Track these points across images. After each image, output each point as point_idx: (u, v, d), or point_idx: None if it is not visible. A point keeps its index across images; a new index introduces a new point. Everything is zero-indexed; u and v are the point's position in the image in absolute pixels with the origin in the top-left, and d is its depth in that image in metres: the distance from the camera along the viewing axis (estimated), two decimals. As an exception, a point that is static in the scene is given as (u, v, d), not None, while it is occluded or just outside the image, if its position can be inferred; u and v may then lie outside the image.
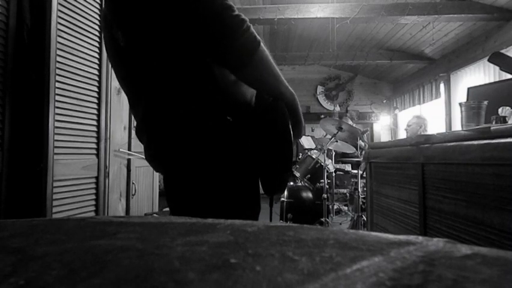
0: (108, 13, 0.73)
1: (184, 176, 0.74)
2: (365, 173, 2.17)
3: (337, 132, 3.22)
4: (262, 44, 0.68)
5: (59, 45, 1.63)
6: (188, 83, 0.71)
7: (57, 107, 1.63)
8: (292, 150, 0.74)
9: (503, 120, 1.30)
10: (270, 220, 0.81)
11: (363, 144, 3.66)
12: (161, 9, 0.65)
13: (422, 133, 3.20)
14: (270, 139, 0.74)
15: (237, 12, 0.65)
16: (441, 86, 5.40)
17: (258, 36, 0.68)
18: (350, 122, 4.43)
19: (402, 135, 6.32)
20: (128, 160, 2.33)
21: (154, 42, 0.69)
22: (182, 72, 0.70)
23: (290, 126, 0.74)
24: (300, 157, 3.74)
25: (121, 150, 2.22)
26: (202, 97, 0.71)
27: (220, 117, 0.71)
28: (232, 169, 0.73)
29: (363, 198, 3.01)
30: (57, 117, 1.63)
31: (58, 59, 1.63)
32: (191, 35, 0.65)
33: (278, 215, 3.45)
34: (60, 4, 1.63)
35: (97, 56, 1.93)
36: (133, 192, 2.39)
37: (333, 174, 3.92)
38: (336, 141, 3.44)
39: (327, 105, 7.28)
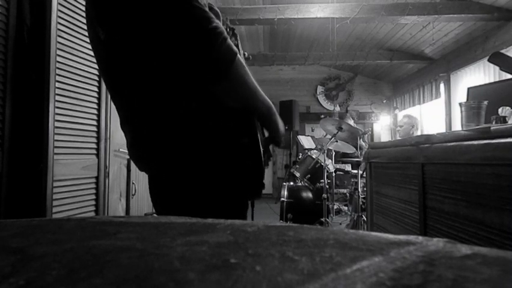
0: (90, 8, 0.73)
1: (172, 176, 0.74)
2: (365, 173, 2.17)
3: (337, 132, 3.22)
4: (238, 55, 0.67)
5: (59, 45, 1.63)
6: (174, 81, 0.70)
7: (57, 107, 1.62)
8: (262, 172, 0.74)
9: (503, 120, 1.30)
10: (252, 219, 0.82)
11: (364, 144, 3.66)
12: (141, 14, 0.65)
13: (414, 132, 3.20)
14: (242, 157, 0.74)
15: (214, 24, 0.64)
16: (441, 86, 5.40)
17: (234, 48, 0.67)
18: (351, 122, 4.43)
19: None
20: (128, 160, 2.32)
21: (135, 43, 0.68)
22: (165, 70, 0.69)
23: (260, 147, 0.74)
24: (300, 157, 3.73)
25: (121, 150, 2.22)
26: (190, 95, 0.70)
27: (207, 116, 0.71)
28: (220, 168, 0.73)
29: (363, 198, 3.01)
30: (57, 117, 1.63)
31: (58, 59, 1.63)
32: (168, 43, 0.65)
33: (278, 215, 3.45)
34: (60, 4, 1.63)
35: (97, 56, 1.93)
36: (133, 192, 2.39)
37: (333, 174, 3.93)
38: (336, 141, 3.44)
39: (327, 105, 7.28)
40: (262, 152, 0.75)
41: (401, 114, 6.88)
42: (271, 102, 0.78)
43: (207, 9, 0.66)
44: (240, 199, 0.77)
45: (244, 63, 0.69)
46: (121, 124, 0.80)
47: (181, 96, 0.70)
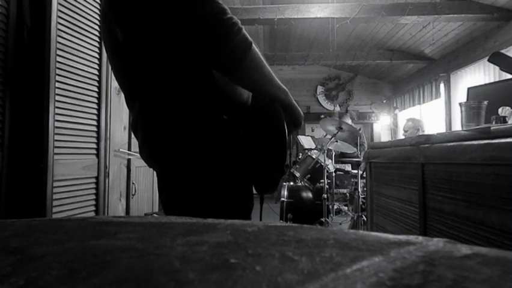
0: (107, 9, 0.75)
1: (179, 172, 0.76)
2: (365, 173, 2.17)
3: (337, 132, 3.22)
4: (253, 45, 0.69)
5: (59, 45, 1.63)
6: (186, 81, 0.72)
7: (57, 107, 1.62)
8: (286, 152, 0.77)
9: (503, 120, 1.30)
10: (260, 219, 0.83)
11: (364, 142, 3.66)
12: (158, 10, 0.67)
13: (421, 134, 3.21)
14: (265, 140, 0.77)
15: (229, 15, 0.66)
16: (441, 86, 5.40)
17: (249, 37, 0.69)
18: (349, 121, 4.43)
19: (401, 135, 6.32)
20: (128, 160, 2.33)
21: (151, 40, 0.71)
22: (180, 70, 0.72)
23: (285, 127, 0.77)
24: (300, 157, 3.73)
25: (121, 150, 2.22)
26: (200, 95, 0.73)
27: (217, 116, 0.73)
28: (226, 166, 0.75)
29: (363, 198, 3.01)
30: (57, 117, 1.62)
31: (58, 59, 1.63)
32: (185, 38, 0.67)
33: (278, 215, 3.45)
34: (60, 4, 1.63)
35: (97, 56, 1.93)
36: (133, 192, 2.39)
37: (333, 174, 3.92)
38: (336, 141, 3.45)
39: (327, 105, 7.27)
40: (279, 147, 0.77)
41: (401, 115, 6.88)
42: (286, 88, 0.81)
43: (220, 1, 0.68)
44: (245, 195, 0.79)
45: (259, 52, 0.71)
46: (132, 126, 0.81)
47: (180, 94, 0.72)
